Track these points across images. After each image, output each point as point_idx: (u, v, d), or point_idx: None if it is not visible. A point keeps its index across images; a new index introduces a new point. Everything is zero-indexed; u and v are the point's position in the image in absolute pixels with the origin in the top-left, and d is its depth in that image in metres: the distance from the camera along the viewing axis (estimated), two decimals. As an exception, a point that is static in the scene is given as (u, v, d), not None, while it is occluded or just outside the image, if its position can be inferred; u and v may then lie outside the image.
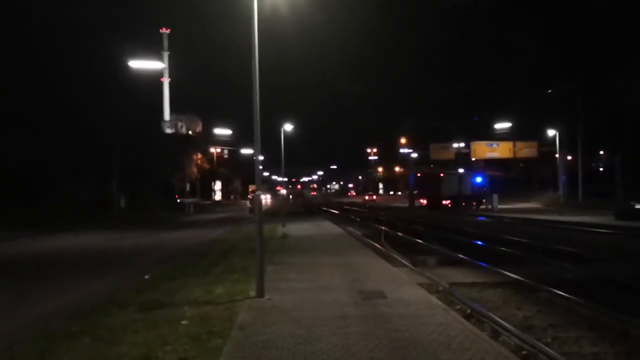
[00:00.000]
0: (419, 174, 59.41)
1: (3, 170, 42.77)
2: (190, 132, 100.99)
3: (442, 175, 57.34)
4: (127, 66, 32.82)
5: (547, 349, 7.45)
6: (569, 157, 58.83)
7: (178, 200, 68.32)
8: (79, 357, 7.06)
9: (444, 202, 52.33)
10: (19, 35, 44.17)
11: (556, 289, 11.14)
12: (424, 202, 55.88)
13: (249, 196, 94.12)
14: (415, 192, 62.69)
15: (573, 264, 14.93)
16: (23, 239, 28.56)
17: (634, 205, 32.09)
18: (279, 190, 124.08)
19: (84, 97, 48.02)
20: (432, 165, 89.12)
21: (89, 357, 7.04)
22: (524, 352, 7.40)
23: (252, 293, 10.63)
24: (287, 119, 35.96)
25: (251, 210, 44.29)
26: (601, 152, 75.12)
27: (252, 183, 71.36)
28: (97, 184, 52.91)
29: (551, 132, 48.96)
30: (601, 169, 75.35)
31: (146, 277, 13.89)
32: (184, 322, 8.63)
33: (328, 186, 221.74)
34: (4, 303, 11.63)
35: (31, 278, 15.37)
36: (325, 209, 68.48)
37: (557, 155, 49.66)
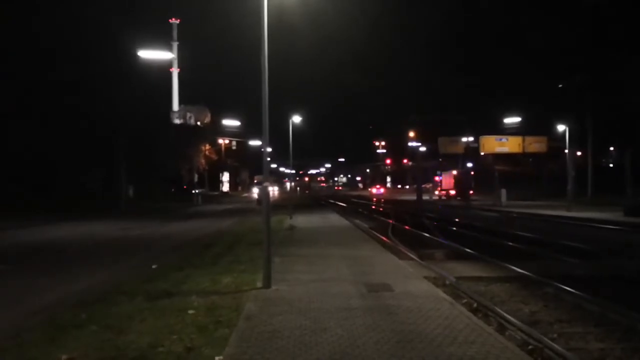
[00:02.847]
0: (455, 172, 72.11)
1: (13, 160, 43.00)
2: (198, 123, 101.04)
3: (472, 173, 72.02)
4: (136, 56, 32.76)
5: (553, 344, 7.44)
6: (579, 153, 58.44)
7: (195, 191, 68.50)
8: (86, 345, 7.10)
9: (470, 192, 66.05)
10: (27, 27, 44.22)
11: (563, 284, 11.11)
12: (454, 192, 68.50)
13: (254, 184, 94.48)
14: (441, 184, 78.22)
15: (580, 259, 14.87)
16: (31, 228, 28.72)
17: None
18: (285, 182, 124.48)
19: (92, 88, 48.12)
20: (440, 159, 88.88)
21: (96, 345, 7.08)
22: (530, 347, 7.38)
23: (259, 284, 10.67)
24: (295, 111, 35.92)
25: (259, 202, 44.31)
26: (611, 148, 74.61)
27: (260, 174, 71.50)
28: (106, 174, 53.08)
29: (561, 128, 48.57)
30: (611, 165, 74.82)
31: (154, 266, 13.95)
32: (190, 312, 8.67)
33: (336, 179, 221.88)
34: (12, 291, 11.71)
35: (38, 266, 15.48)
36: (332, 201, 68.51)
37: (566, 151, 49.35)
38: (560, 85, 54.46)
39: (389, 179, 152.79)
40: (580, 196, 47.62)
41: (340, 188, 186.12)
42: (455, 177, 71.11)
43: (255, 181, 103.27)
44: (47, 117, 44.88)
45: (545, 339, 7.63)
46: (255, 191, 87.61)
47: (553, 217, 32.70)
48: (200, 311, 8.73)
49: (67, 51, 46.53)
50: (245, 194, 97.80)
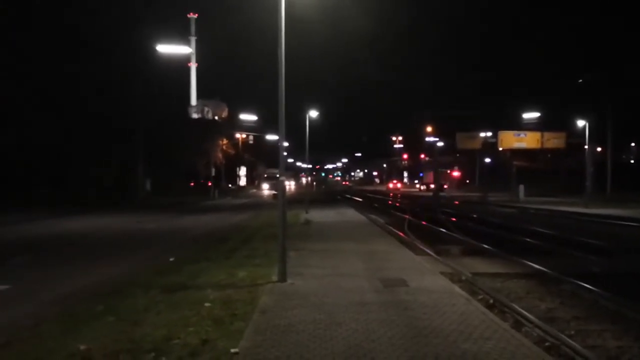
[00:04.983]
0: (432, 172, 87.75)
1: (29, 153, 43.41)
2: (216, 118, 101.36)
3: (448, 171, 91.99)
4: (155, 51, 32.88)
5: (570, 341, 7.38)
6: (599, 149, 57.73)
7: (229, 185, 69.03)
8: (103, 336, 7.17)
9: (445, 186, 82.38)
10: (47, 19, 44.59)
11: (580, 281, 11.01)
12: (432, 186, 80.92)
13: (264, 179, 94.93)
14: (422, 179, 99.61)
15: (598, 256, 14.72)
16: (47, 220, 28.98)
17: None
18: (302, 177, 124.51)
19: (110, 82, 48.43)
20: (457, 155, 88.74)
21: (112, 336, 7.15)
22: (546, 344, 7.33)
23: (274, 277, 10.69)
24: (312, 106, 35.83)
25: (274, 195, 44.36)
26: (632, 144, 73.68)
27: (274, 168, 71.79)
28: (123, 167, 53.47)
29: (580, 123, 48.00)
30: (632, 161, 73.91)
31: (171, 259, 14.04)
32: (206, 305, 8.72)
33: (352, 174, 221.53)
34: (29, 282, 11.85)
35: (56, 259, 15.64)
36: (348, 196, 68.45)
37: (585, 147, 48.81)
38: (580, 81, 53.89)
39: (405, 174, 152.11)
40: (599, 192, 47.08)
41: (347, 183, 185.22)
42: (433, 174, 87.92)
43: (265, 175, 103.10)
44: (64, 110, 45.20)
45: (563, 336, 7.57)
46: (265, 187, 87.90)
47: (571, 214, 32.37)
48: (216, 304, 8.77)
49: (85, 45, 46.86)
50: (254, 190, 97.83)
